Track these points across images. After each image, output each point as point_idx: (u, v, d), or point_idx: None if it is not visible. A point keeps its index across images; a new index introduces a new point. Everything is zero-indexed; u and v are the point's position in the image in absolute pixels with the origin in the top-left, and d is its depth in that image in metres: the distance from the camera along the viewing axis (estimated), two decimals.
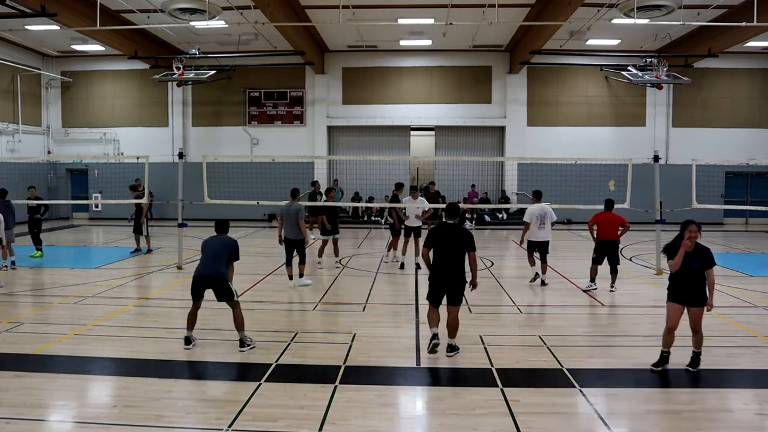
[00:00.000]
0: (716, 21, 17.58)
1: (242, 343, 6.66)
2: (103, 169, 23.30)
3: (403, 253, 12.38)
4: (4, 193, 12.19)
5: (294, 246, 10.25)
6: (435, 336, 6.44)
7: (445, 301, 6.53)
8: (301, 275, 10.33)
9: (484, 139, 23.84)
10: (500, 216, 22.95)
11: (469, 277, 6.55)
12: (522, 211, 22.43)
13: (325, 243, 12.50)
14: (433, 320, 6.53)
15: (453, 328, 6.51)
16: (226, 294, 6.72)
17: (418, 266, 11.79)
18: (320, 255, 12.38)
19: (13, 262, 11.94)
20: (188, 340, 6.73)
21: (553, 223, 10.82)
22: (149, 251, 14.19)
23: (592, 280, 10.03)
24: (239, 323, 6.71)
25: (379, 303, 9.13)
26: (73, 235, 19.10)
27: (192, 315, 6.82)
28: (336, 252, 12.75)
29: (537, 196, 10.99)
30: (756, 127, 22.90)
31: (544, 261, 10.55)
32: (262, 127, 23.82)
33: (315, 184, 18.25)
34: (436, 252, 6.47)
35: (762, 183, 23.23)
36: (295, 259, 10.40)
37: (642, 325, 7.97)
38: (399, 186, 12.95)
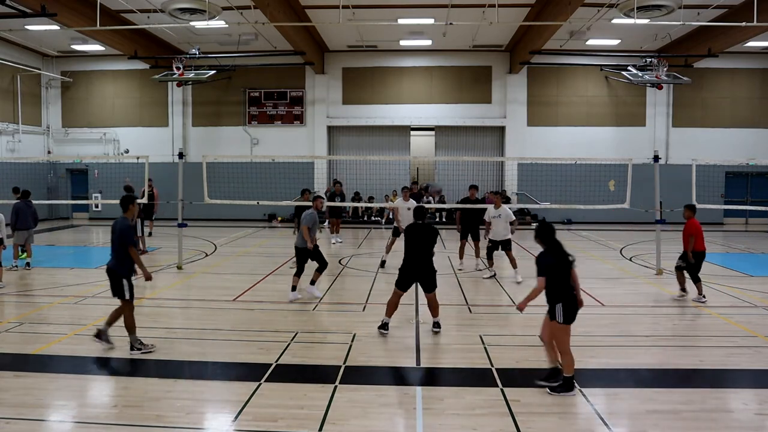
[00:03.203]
0: (716, 21, 17.58)
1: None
2: (103, 169, 23.32)
3: (387, 251, 12.39)
4: (26, 194, 12.16)
5: (298, 254, 9.36)
6: (386, 325, 7.25)
7: (419, 290, 7.25)
8: (312, 282, 9.43)
9: (484, 139, 23.83)
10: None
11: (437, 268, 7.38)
12: (522, 211, 22.70)
13: None
14: (390, 309, 7.28)
15: (434, 308, 7.36)
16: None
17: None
18: None
19: (28, 264, 11.89)
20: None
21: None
22: (143, 252, 14.14)
23: (684, 288, 9.39)
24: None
25: (379, 303, 9.10)
26: (73, 235, 19.10)
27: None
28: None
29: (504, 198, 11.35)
30: (756, 127, 22.90)
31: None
32: (262, 127, 23.82)
33: (336, 183, 17.96)
34: (407, 248, 7.21)
35: (762, 183, 23.22)
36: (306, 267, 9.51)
37: (642, 325, 7.97)
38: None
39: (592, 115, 23.30)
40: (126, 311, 6.50)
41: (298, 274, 9.31)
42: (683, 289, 9.37)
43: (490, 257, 11.30)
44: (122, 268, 6.52)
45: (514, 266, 11.01)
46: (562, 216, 23.08)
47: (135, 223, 13.97)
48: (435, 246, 7.30)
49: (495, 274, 11.18)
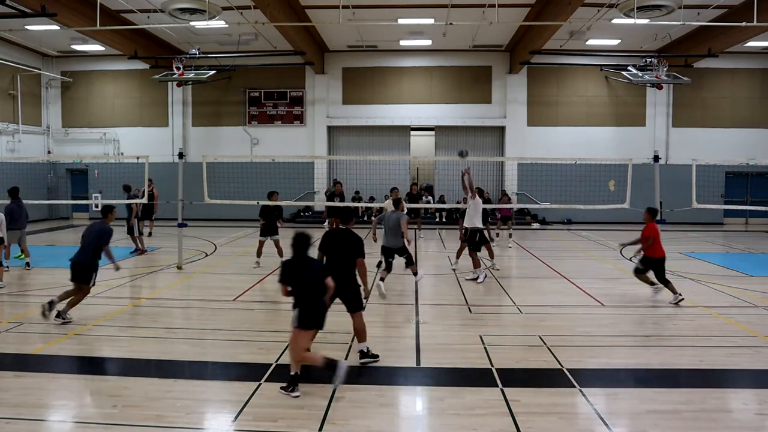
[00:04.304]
0: (716, 21, 17.59)
1: None
2: (103, 169, 23.32)
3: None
4: (15, 192, 12.14)
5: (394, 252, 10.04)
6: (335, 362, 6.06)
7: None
8: (415, 273, 10.19)
9: (484, 139, 23.84)
10: (499, 216, 22.93)
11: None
12: (522, 211, 22.68)
13: (261, 243, 12.39)
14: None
15: (360, 331, 6.27)
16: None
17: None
18: (258, 255, 12.34)
19: (27, 264, 11.88)
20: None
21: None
22: (142, 252, 14.14)
23: (654, 282, 9.28)
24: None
25: (379, 303, 9.12)
26: (73, 235, 19.08)
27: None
28: (280, 253, 12.23)
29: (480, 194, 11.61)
30: (756, 127, 22.91)
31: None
32: (262, 127, 23.83)
33: (336, 184, 17.91)
34: (328, 257, 6.29)
35: (762, 183, 23.23)
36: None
37: (642, 325, 7.97)
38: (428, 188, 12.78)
39: (592, 115, 23.31)
40: (83, 295, 7.82)
41: (388, 269, 10.00)
42: (653, 283, 9.27)
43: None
44: (94, 263, 7.88)
45: (476, 266, 10.84)
46: (562, 216, 23.09)
47: (133, 223, 14.01)
48: (357, 255, 6.21)
49: (484, 276, 10.84)
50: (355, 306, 6.26)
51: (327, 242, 6.32)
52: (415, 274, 10.24)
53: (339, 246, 6.26)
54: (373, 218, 22.76)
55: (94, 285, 7.93)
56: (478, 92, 23.41)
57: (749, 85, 23.03)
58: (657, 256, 9.15)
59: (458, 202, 21.96)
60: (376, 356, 6.24)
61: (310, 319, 5.41)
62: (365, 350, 6.24)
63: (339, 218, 6.87)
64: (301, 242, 5.57)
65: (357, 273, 6.31)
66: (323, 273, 5.60)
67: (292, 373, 5.38)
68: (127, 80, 24.13)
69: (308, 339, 5.46)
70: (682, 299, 8.92)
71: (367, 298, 6.31)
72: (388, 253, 10.01)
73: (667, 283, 9.08)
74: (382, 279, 9.72)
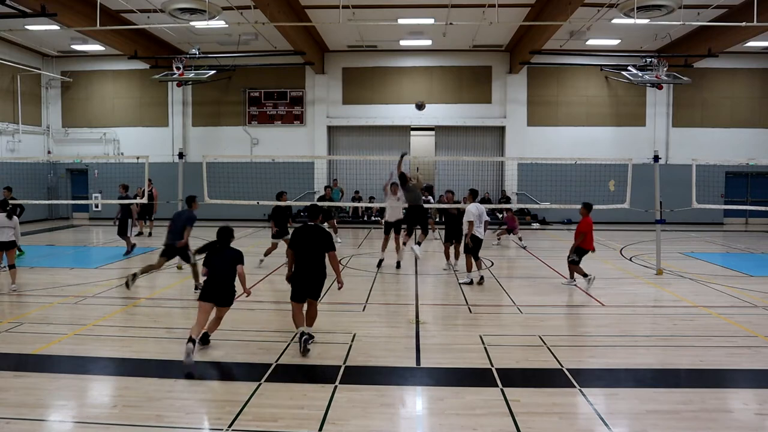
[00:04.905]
0: (716, 21, 17.59)
1: None
2: (103, 169, 23.32)
3: (383, 250, 12.51)
4: None
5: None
6: (303, 333, 6.51)
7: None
8: (418, 243, 11.38)
9: (484, 139, 23.84)
10: (500, 216, 22.94)
11: (334, 273, 6.83)
12: (521, 211, 22.68)
13: (275, 246, 12.45)
14: (299, 320, 6.63)
15: (311, 317, 6.79)
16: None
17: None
18: (266, 255, 12.42)
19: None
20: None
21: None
22: (129, 250, 14.10)
23: (585, 274, 10.15)
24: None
25: (379, 303, 9.13)
26: (73, 235, 19.09)
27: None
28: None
29: (474, 195, 11.08)
30: (756, 127, 22.91)
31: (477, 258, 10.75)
32: (262, 127, 23.83)
33: (327, 188, 17.83)
34: (298, 253, 6.61)
35: (762, 183, 23.23)
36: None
37: (642, 325, 7.97)
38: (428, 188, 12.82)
39: (592, 115, 23.31)
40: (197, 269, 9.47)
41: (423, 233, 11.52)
42: (585, 275, 10.08)
43: (476, 258, 10.80)
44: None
45: (469, 269, 10.66)
46: (562, 216, 23.09)
47: (128, 223, 13.99)
48: (328, 249, 6.60)
49: (470, 280, 10.63)
50: (316, 294, 6.72)
51: (297, 239, 6.64)
52: (419, 244, 11.25)
53: (308, 241, 6.60)
54: (373, 216, 23.01)
55: (195, 262, 9.56)
56: (478, 92, 23.41)
57: (749, 85, 23.03)
58: (588, 247, 10.23)
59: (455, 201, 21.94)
60: (312, 336, 6.77)
61: (205, 293, 6.36)
62: (309, 333, 6.69)
63: (321, 219, 7.18)
64: (224, 234, 6.62)
65: (327, 266, 6.69)
66: (235, 261, 6.51)
67: (189, 337, 6.08)
68: (127, 80, 24.13)
69: (205, 310, 6.32)
70: (575, 283, 10.29)
71: (340, 287, 6.83)
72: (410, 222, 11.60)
73: (575, 266, 10.26)
74: (418, 243, 11.22)
